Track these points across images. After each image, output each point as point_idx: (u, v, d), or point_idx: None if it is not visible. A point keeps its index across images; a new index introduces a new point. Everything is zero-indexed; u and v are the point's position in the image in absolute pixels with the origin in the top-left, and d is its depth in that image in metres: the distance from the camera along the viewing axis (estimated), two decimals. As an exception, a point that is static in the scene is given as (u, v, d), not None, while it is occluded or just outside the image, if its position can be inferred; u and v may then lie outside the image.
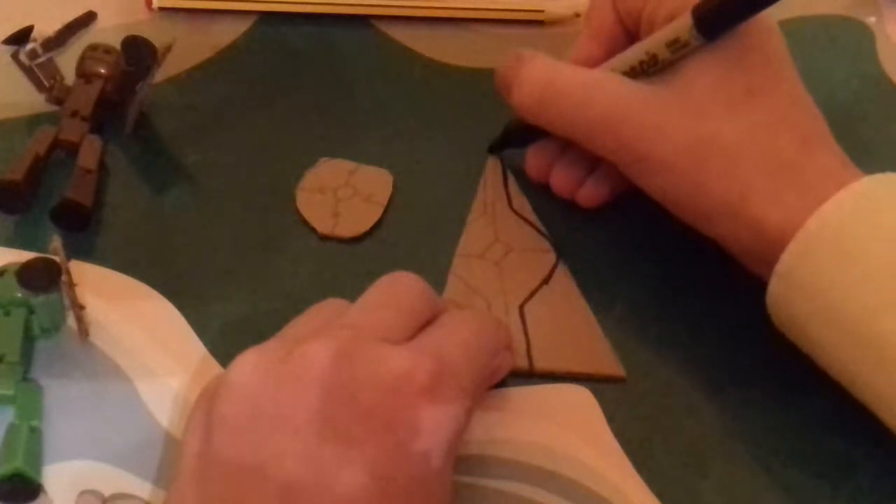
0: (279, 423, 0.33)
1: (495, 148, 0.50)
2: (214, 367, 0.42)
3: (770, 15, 0.41)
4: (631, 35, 0.45)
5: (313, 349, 0.34)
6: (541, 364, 0.43)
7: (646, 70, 0.42)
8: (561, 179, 0.48)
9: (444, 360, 0.35)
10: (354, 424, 0.33)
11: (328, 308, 0.39)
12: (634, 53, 0.43)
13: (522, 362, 0.43)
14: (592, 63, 0.45)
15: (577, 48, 0.47)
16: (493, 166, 0.50)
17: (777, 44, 0.42)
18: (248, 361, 0.35)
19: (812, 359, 0.40)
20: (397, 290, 0.39)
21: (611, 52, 0.45)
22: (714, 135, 0.40)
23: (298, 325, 0.39)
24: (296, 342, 0.35)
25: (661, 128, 0.41)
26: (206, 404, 0.35)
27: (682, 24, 0.40)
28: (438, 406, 0.34)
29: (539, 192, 0.49)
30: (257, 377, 0.34)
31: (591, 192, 0.47)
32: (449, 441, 0.35)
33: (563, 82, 0.44)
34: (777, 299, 0.39)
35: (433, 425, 0.34)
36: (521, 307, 0.45)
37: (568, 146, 0.47)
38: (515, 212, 0.48)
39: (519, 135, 0.49)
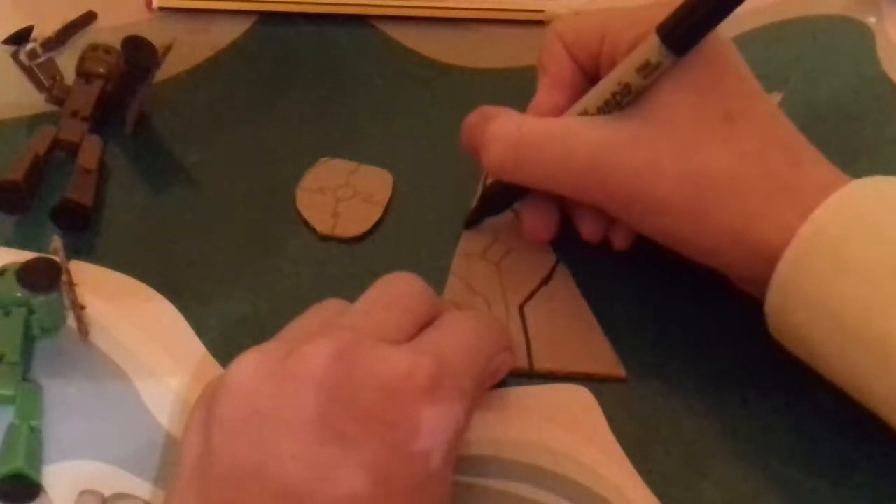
0: (279, 424, 0.33)
1: (473, 221, 0.47)
2: (214, 367, 0.43)
3: (723, 30, 0.40)
4: (590, 78, 0.44)
5: (313, 350, 0.34)
6: (541, 364, 0.43)
7: (619, 102, 0.41)
8: (590, 228, 0.45)
9: (443, 361, 0.35)
10: (354, 425, 0.33)
11: (328, 308, 0.39)
12: (605, 87, 0.41)
13: (522, 362, 0.43)
14: (557, 112, 0.44)
15: (538, 100, 0.45)
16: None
17: (739, 60, 0.41)
18: (249, 362, 0.35)
19: (816, 369, 0.39)
20: (397, 290, 0.39)
21: (573, 98, 0.43)
22: (705, 166, 0.39)
23: (298, 326, 0.39)
24: (296, 343, 0.35)
25: (649, 167, 0.40)
26: (207, 404, 0.35)
27: (650, 46, 0.39)
28: (438, 406, 0.34)
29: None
30: (257, 378, 0.34)
31: (627, 233, 0.45)
32: (448, 441, 0.35)
33: (536, 135, 0.42)
34: (775, 310, 0.39)
35: (433, 425, 0.34)
36: (521, 307, 0.45)
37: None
38: (515, 212, 0.48)
39: (499, 198, 0.46)
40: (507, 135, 0.43)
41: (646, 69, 0.40)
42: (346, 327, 0.36)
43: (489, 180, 0.48)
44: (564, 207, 0.46)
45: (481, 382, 0.38)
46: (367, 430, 0.33)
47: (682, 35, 0.39)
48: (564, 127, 0.42)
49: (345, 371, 0.34)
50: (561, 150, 0.42)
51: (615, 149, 0.41)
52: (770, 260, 0.38)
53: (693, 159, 0.40)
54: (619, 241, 0.45)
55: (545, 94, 0.44)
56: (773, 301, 0.39)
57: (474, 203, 0.48)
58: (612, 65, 0.42)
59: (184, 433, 0.36)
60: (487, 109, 0.45)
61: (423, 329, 0.38)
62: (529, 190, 0.45)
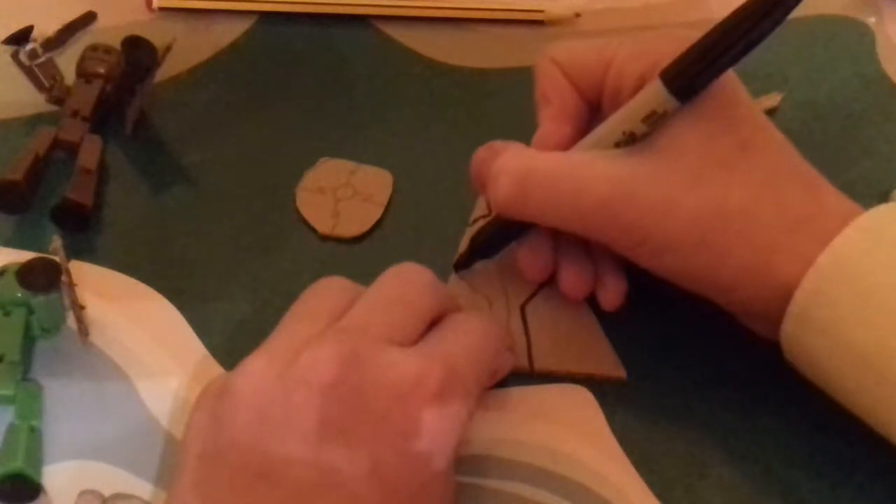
0: (287, 429, 0.33)
1: (463, 263, 0.46)
2: (214, 367, 0.43)
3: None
4: (593, 107, 0.43)
5: (322, 354, 0.34)
6: (541, 364, 0.43)
7: (628, 141, 0.40)
8: (571, 282, 0.43)
9: (452, 367, 0.35)
10: (362, 429, 0.33)
11: (333, 290, 0.39)
12: (609, 131, 0.40)
13: (523, 362, 0.43)
14: (562, 145, 0.42)
15: (543, 132, 0.43)
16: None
17: (745, 92, 0.40)
18: (256, 365, 0.35)
19: (833, 398, 0.39)
20: (406, 284, 0.39)
21: (578, 129, 0.42)
22: (722, 201, 0.38)
23: (303, 318, 0.38)
24: (304, 345, 0.35)
25: (663, 203, 0.38)
26: (211, 406, 0.35)
27: (654, 94, 0.38)
28: (445, 410, 0.34)
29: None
30: (265, 381, 0.34)
31: (615, 290, 0.43)
32: (453, 443, 0.35)
33: (545, 170, 0.40)
34: (791, 339, 0.38)
35: (439, 429, 0.34)
36: (523, 307, 0.45)
37: (561, 237, 0.44)
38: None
39: (494, 239, 0.45)
40: (514, 169, 0.41)
41: (652, 118, 0.39)
42: (354, 329, 0.36)
43: (478, 222, 0.47)
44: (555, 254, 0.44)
45: (484, 384, 0.39)
46: (375, 434, 0.33)
47: (687, 82, 0.38)
48: (574, 162, 0.40)
49: (354, 376, 0.34)
50: (572, 186, 0.40)
51: (629, 185, 0.39)
52: (789, 293, 0.37)
53: (708, 194, 0.38)
54: (607, 301, 0.43)
55: (550, 126, 0.43)
56: (789, 329, 0.38)
57: (463, 245, 0.46)
58: (617, 95, 0.41)
59: (185, 433, 0.36)
60: (496, 144, 0.44)
61: (431, 325, 0.38)
62: (525, 231, 0.43)
